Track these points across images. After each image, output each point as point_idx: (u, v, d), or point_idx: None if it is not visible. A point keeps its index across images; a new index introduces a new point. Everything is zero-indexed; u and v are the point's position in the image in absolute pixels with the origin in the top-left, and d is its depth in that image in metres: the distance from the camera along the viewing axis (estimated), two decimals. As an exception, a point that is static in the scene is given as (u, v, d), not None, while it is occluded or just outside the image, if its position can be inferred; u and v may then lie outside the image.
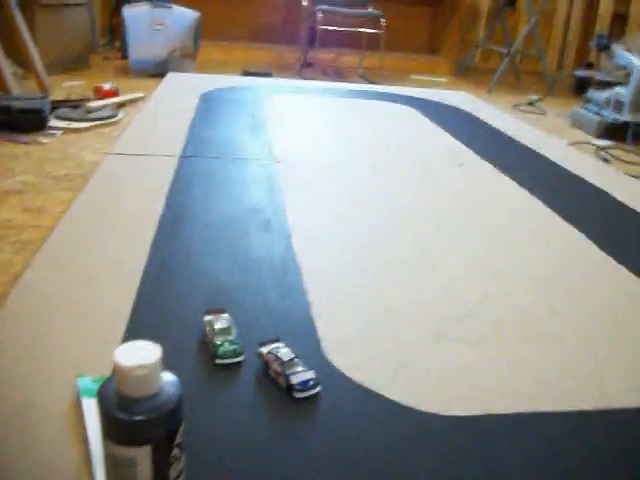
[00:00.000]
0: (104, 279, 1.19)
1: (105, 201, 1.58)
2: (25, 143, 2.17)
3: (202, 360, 0.99)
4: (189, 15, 3.68)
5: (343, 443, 0.84)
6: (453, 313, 1.17)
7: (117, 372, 0.52)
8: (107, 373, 0.92)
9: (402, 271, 1.32)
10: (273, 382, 0.95)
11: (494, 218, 1.65)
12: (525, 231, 1.59)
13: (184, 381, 0.90)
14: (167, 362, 0.96)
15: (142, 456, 0.53)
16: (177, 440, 0.55)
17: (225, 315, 1.05)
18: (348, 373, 0.98)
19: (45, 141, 2.22)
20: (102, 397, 0.53)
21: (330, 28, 4.00)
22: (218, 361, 0.98)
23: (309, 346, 1.04)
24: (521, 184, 1.98)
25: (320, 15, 3.88)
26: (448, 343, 1.07)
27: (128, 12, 3.57)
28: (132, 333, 1.03)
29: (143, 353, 0.53)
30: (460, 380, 0.99)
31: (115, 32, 4.27)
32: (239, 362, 0.99)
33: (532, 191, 1.91)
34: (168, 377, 0.56)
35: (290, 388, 0.92)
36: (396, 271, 1.32)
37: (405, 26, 4.94)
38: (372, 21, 4.11)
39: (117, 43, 4.24)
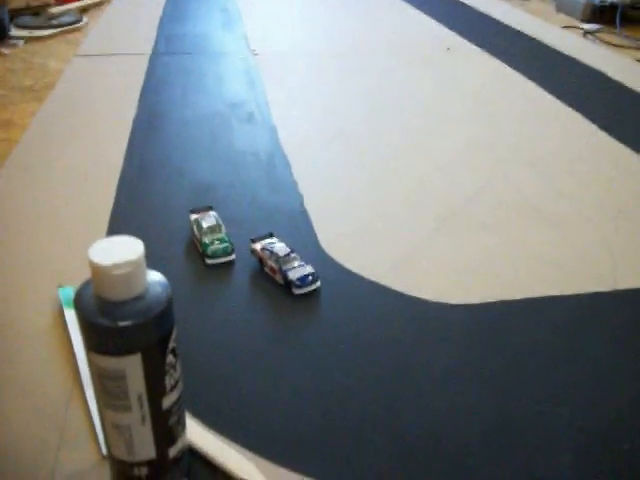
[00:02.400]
0: (79, 185, 1.11)
1: (74, 107, 1.48)
2: (-15, 55, 2.04)
3: (191, 261, 0.92)
4: None
5: (348, 337, 0.79)
6: (454, 199, 1.10)
7: (95, 273, 0.45)
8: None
9: (396, 160, 1.24)
10: (269, 279, 0.88)
11: (488, 102, 1.57)
12: (522, 114, 1.51)
13: (174, 285, 0.84)
14: (154, 265, 0.90)
15: (132, 366, 0.46)
16: (170, 346, 0.48)
17: (212, 213, 0.97)
18: (349, 266, 0.92)
19: (7, 52, 2.08)
20: (80, 304, 0.46)
21: None
22: (209, 261, 0.91)
23: (305, 240, 0.97)
24: (513, 66, 1.87)
25: None
26: (451, 230, 1.01)
27: None
28: (114, 232, 0.95)
29: (123, 249, 0.46)
30: (466, 267, 0.93)
31: None
32: (231, 261, 0.92)
33: (526, 74, 1.81)
34: (154, 276, 0.49)
35: (288, 284, 0.85)
36: (390, 160, 1.24)
37: None
38: None
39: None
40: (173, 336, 0.52)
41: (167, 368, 0.51)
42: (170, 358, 0.52)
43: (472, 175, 1.21)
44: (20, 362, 0.74)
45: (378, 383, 0.73)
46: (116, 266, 0.46)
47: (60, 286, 0.86)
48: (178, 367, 0.54)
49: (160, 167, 1.20)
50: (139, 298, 0.48)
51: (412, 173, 1.21)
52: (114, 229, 0.99)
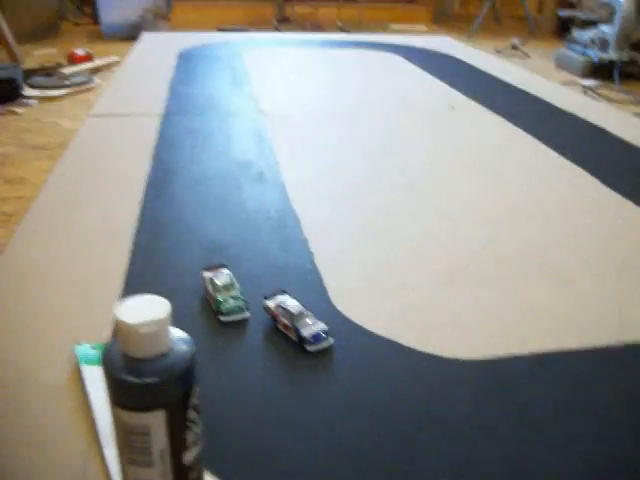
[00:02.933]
0: (94, 243, 1.13)
1: (87, 166, 1.51)
2: (0, 114, 2.09)
3: (206, 319, 0.94)
4: (159, -26, 3.57)
5: (360, 393, 0.80)
6: (461, 255, 1.13)
7: (121, 331, 0.46)
8: (105, 339, 0.87)
9: (403, 217, 1.27)
10: (283, 336, 0.90)
11: (492, 159, 1.60)
12: (525, 170, 1.54)
13: (196, 338, 0.85)
14: (173, 319, 0.91)
15: (156, 422, 0.48)
16: (192, 401, 0.49)
17: (225, 270, 0.99)
18: (359, 321, 0.93)
19: (20, 111, 2.14)
20: (107, 360, 0.47)
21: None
22: (223, 318, 0.93)
23: (316, 297, 0.99)
24: (515, 123, 1.92)
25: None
26: (459, 286, 1.03)
27: (96, -25, 3.45)
28: (128, 296, 0.97)
29: (149, 308, 0.48)
30: (475, 322, 0.94)
31: (84, -3, 4.13)
32: (245, 318, 0.94)
33: (527, 130, 1.86)
34: (179, 334, 0.50)
35: (302, 341, 0.87)
36: (396, 216, 1.27)
37: (381, -26, 4.81)
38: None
39: (87, 9, 4.11)
40: (196, 392, 0.53)
41: (189, 424, 0.53)
42: (192, 414, 0.53)
43: (478, 230, 1.23)
44: (38, 417, 0.76)
45: (390, 440, 0.74)
46: (142, 325, 0.48)
47: (77, 343, 0.88)
48: (199, 423, 0.55)
49: (173, 226, 1.22)
50: (164, 355, 0.50)
51: (419, 229, 1.23)
52: (129, 287, 1.01)
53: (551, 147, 1.72)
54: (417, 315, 0.96)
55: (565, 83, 2.64)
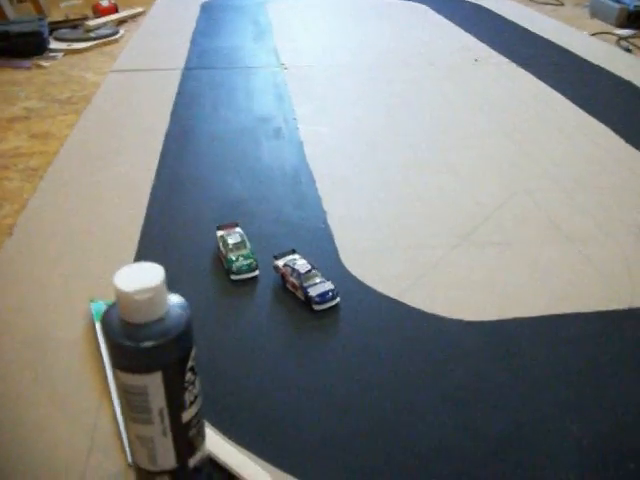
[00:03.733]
0: (111, 201, 1.16)
1: (108, 122, 1.53)
2: (27, 68, 2.11)
3: (217, 276, 0.96)
4: None
5: (366, 353, 0.81)
6: (475, 215, 1.13)
7: (119, 298, 0.48)
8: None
9: (420, 175, 1.27)
10: (291, 295, 0.92)
11: (514, 115, 1.58)
12: (548, 128, 1.52)
13: (200, 299, 0.88)
14: (181, 280, 0.94)
15: (153, 383, 0.50)
16: (189, 364, 0.51)
17: (238, 229, 1.01)
18: (368, 282, 0.95)
19: (46, 64, 2.15)
20: (106, 324, 0.49)
21: None
22: (233, 277, 0.95)
23: (327, 256, 1.00)
24: (541, 78, 1.88)
25: None
26: (470, 247, 1.03)
27: None
28: (143, 253, 1.00)
29: (144, 275, 0.50)
30: (485, 284, 0.95)
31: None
32: (255, 277, 0.96)
33: (553, 85, 1.82)
34: (175, 299, 0.52)
35: (309, 300, 0.89)
36: (414, 175, 1.27)
37: None
38: None
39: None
40: (192, 355, 0.56)
41: (186, 385, 0.55)
42: (189, 376, 0.55)
43: (494, 190, 1.23)
44: (53, 371, 0.79)
45: (393, 395, 0.76)
46: (138, 292, 0.50)
47: (92, 300, 0.91)
48: (197, 384, 0.57)
49: (190, 182, 1.24)
50: (160, 320, 0.52)
51: (435, 188, 1.23)
52: (144, 245, 1.03)
53: (576, 103, 1.69)
54: (427, 277, 0.97)
55: (599, 32, 2.57)
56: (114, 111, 1.60)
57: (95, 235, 1.06)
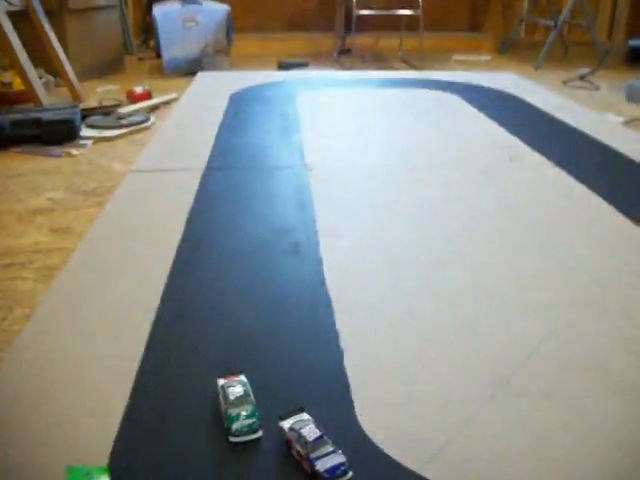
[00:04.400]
0: (110, 330, 1.07)
1: (123, 226, 1.47)
2: (57, 156, 2.10)
3: (214, 434, 0.85)
4: (220, 10, 3.59)
5: None
6: (511, 356, 1.00)
7: None
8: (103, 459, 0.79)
9: (450, 302, 1.16)
10: (296, 465, 0.80)
11: (553, 226, 1.47)
12: (589, 240, 1.40)
13: (190, 463, 0.77)
14: (172, 437, 0.83)
15: None
16: None
17: (241, 378, 0.90)
18: (387, 448, 0.83)
19: (76, 153, 2.14)
20: None
21: (366, 12, 3.82)
22: (232, 439, 0.83)
23: (340, 412, 0.89)
24: (580, 179, 1.77)
25: (355, -1, 3.72)
26: (508, 400, 0.90)
27: (158, 11, 3.49)
28: (137, 400, 0.89)
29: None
30: (528, 453, 0.82)
31: (149, 31, 4.17)
32: (257, 438, 0.84)
33: (593, 188, 1.71)
34: None
35: (315, 475, 0.76)
36: (444, 306, 1.15)
37: (444, 3, 4.70)
38: (409, 1, 3.91)
39: (151, 42, 4.16)
40: None
41: None
42: None
43: (533, 324, 1.10)
44: None
45: None
46: None
47: (68, 468, 0.80)
48: None
49: (195, 311, 1.15)
50: None
51: (466, 320, 1.11)
52: (139, 390, 0.93)
53: (616, 207, 1.57)
54: (456, 441, 0.84)
55: (636, 119, 2.47)
56: (129, 214, 1.54)
57: (85, 377, 0.96)
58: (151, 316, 1.13)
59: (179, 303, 1.17)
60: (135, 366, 1.00)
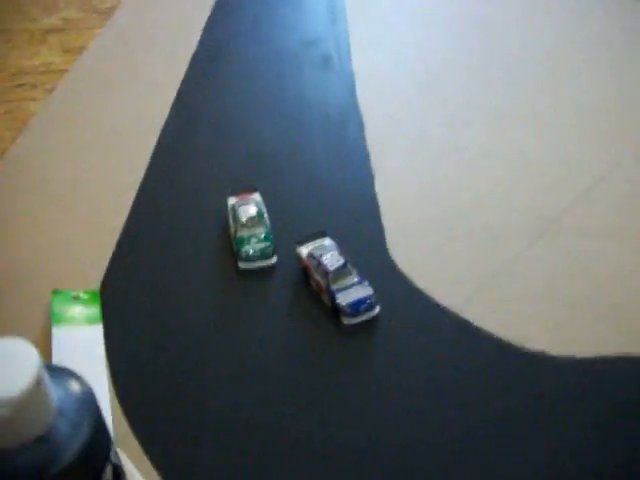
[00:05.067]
0: (116, 140, 0.94)
1: (133, 37, 1.29)
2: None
3: (223, 260, 0.74)
4: None
5: (405, 385, 0.59)
6: (563, 197, 0.86)
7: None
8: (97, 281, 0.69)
9: (497, 127, 0.99)
10: (315, 298, 0.69)
11: (621, 45, 1.26)
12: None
13: (197, 292, 0.67)
14: (172, 263, 0.72)
15: None
16: None
17: (255, 197, 0.77)
18: (420, 283, 0.71)
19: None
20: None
21: None
22: (242, 265, 0.72)
23: (369, 240, 0.76)
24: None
25: None
26: (554, 243, 0.77)
27: None
28: (135, 220, 0.78)
29: (7, 371, 0.27)
30: (572, 300, 0.70)
31: None
32: (270, 266, 0.73)
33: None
34: (72, 389, 0.29)
35: (337, 310, 0.65)
36: (489, 128, 0.99)
37: None
38: None
39: None
40: (106, 476, 0.33)
41: None
42: None
43: (595, 154, 0.95)
44: None
45: (432, 449, 0.53)
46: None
47: (55, 291, 0.70)
48: None
49: (208, 124, 1.00)
50: (38, 442, 0.30)
51: (515, 148, 0.96)
52: (139, 207, 0.82)
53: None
54: (496, 281, 0.72)
55: None
56: (142, 25, 1.36)
57: (85, 196, 0.85)
58: (159, 127, 0.99)
59: (191, 114, 1.03)
60: (136, 182, 0.88)
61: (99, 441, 0.33)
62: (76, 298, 0.68)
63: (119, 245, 0.78)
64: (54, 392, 0.31)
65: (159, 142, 0.96)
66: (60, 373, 0.33)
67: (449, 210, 0.83)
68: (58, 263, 0.76)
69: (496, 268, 0.74)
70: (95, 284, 0.72)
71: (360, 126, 0.99)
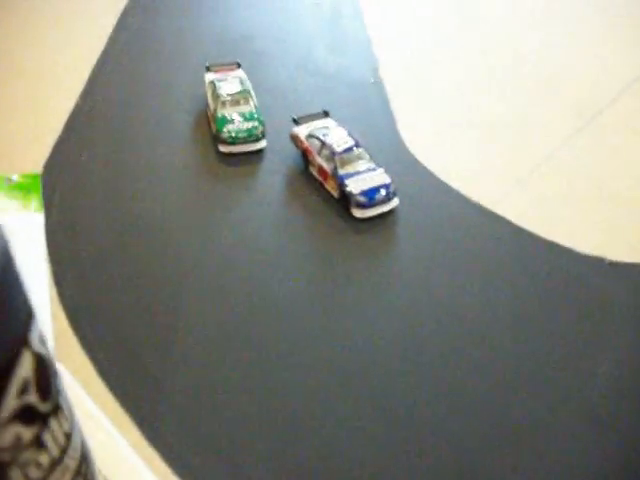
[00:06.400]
0: (72, 20, 0.80)
1: None
2: None
3: (199, 144, 0.60)
4: None
5: (441, 306, 0.47)
6: (605, 87, 0.74)
7: None
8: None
9: (518, 18, 0.86)
10: (317, 187, 0.55)
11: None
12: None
13: (164, 184, 0.54)
14: (141, 141, 0.59)
15: None
16: (13, 388, 0.14)
17: (239, 73, 0.63)
18: (445, 178, 0.58)
19: None
20: None
21: None
22: (223, 148, 0.59)
23: (378, 128, 0.63)
24: None
25: None
26: (595, 136, 0.66)
27: None
28: (90, 95, 0.64)
29: None
30: (616, 195, 0.59)
31: None
32: (259, 150, 0.59)
33: None
34: None
35: (346, 199, 0.52)
36: (510, 12, 0.86)
37: None
38: None
39: None
40: (22, 371, 0.19)
41: (6, 455, 0.19)
42: (15, 430, 0.19)
43: (625, 60, 0.82)
44: None
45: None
46: None
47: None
48: (57, 437, 0.21)
49: (174, 4, 0.85)
50: None
51: (541, 41, 0.83)
52: (94, 86, 0.67)
53: None
54: (536, 175, 0.60)
55: None
56: None
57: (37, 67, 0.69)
58: (119, 8, 0.84)
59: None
60: (91, 63, 0.72)
61: (6, 305, 0.18)
62: (10, 181, 0.53)
63: (67, 127, 0.63)
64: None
65: (118, 25, 0.81)
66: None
67: (472, 96, 0.70)
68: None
69: (534, 163, 0.62)
70: (37, 168, 0.58)
71: (357, 9, 0.85)
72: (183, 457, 0.45)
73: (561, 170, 0.64)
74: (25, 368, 0.21)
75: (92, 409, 0.39)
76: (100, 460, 0.33)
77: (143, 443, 0.47)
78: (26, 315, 0.22)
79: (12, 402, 0.21)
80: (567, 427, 0.48)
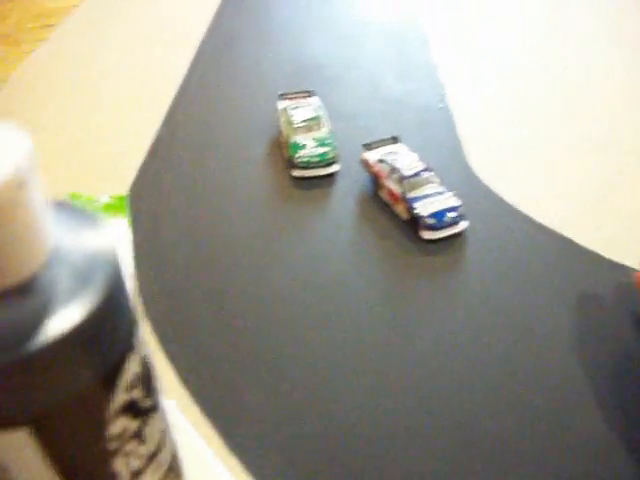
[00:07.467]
0: (151, 50, 0.84)
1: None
2: None
3: (272, 169, 0.62)
4: None
5: (496, 320, 0.47)
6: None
7: None
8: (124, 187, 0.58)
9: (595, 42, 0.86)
10: (387, 210, 0.57)
11: None
12: None
13: (238, 210, 0.56)
14: (218, 171, 0.61)
15: (16, 452, 0.16)
16: (121, 395, 0.17)
17: (313, 100, 0.65)
18: (512, 202, 0.59)
19: None
20: None
21: None
22: (296, 173, 0.61)
23: (445, 153, 0.64)
24: None
25: None
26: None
27: None
28: (170, 125, 0.67)
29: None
30: None
31: None
32: (331, 174, 0.61)
33: None
34: (83, 231, 0.17)
35: (415, 222, 0.53)
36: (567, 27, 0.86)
37: None
38: None
39: None
40: (130, 370, 0.21)
41: (114, 444, 0.21)
42: (123, 422, 0.21)
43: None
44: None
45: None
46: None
47: (73, 195, 0.58)
48: (153, 432, 0.23)
49: (251, 38, 0.89)
50: (19, 292, 0.18)
51: (612, 61, 0.83)
52: (173, 116, 0.70)
53: None
54: (606, 198, 0.59)
55: None
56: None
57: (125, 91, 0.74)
58: (197, 41, 0.88)
59: (231, 29, 0.92)
60: (170, 94, 0.76)
61: (117, 312, 0.21)
62: (98, 202, 0.57)
63: (151, 152, 0.66)
64: (53, 225, 0.19)
65: (197, 54, 0.85)
66: (71, 211, 0.21)
67: (538, 122, 0.70)
68: (79, 168, 0.66)
69: (601, 186, 0.62)
70: (123, 190, 0.61)
71: (424, 39, 0.87)
72: (261, 467, 0.47)
73: (635, 195, 0.63)
74: (133, 366, 0.24)
75: (179, 418, 0.41)
76: (185, 464, 0.36)
77: (224, 452, 0.49)
78: (133, 319, 0.25)
79: (122, 396, 0.23)
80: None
